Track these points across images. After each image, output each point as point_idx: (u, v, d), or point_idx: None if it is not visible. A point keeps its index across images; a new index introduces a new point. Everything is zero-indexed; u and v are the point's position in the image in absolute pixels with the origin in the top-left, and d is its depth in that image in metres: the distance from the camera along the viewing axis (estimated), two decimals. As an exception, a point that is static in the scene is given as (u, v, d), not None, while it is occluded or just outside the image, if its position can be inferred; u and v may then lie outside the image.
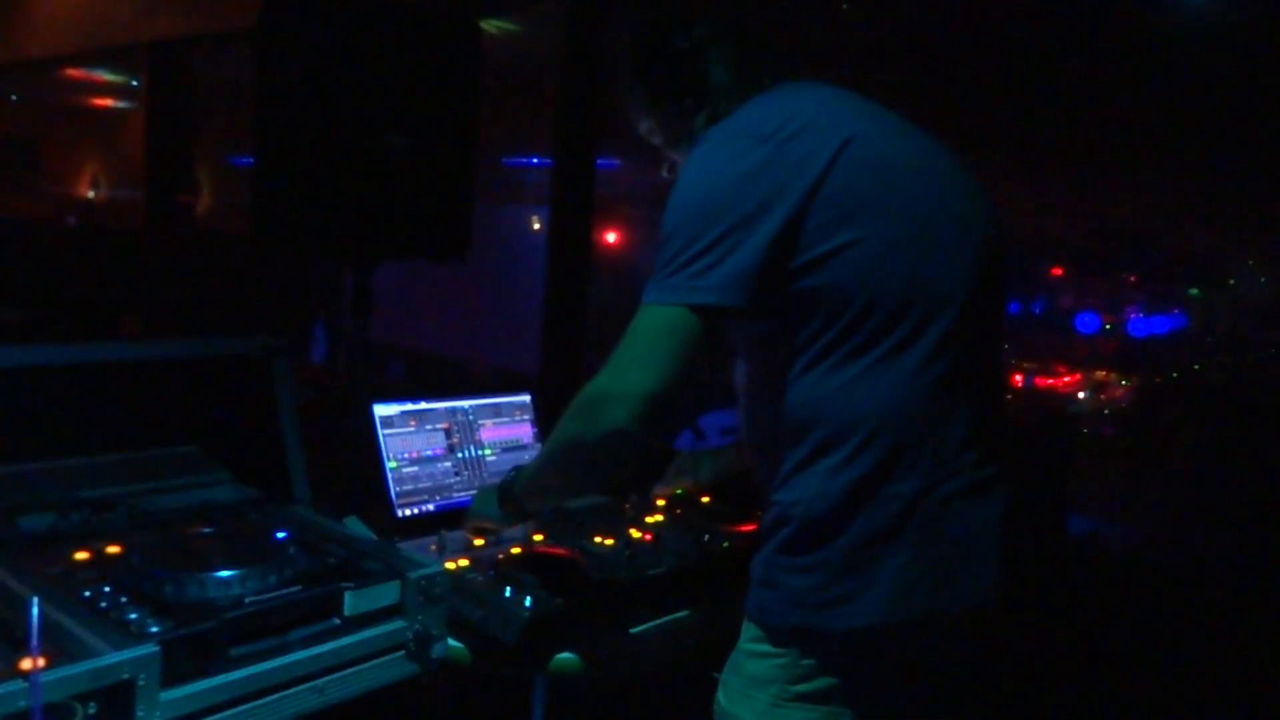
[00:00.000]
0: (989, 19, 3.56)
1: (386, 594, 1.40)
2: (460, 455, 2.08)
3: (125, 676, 1.10)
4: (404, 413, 2.01)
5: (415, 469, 2.00)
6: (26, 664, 1.03)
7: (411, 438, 2.01)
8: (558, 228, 4.01)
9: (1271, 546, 3.18)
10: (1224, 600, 3.10)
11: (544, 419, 2.20)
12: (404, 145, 2.18)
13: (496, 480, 1.71)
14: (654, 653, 1.64)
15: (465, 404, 2.12)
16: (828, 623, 1.34)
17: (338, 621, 1.35)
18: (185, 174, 6.99)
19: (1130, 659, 2.99)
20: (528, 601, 1.53)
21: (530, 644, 1.52)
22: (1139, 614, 3.14)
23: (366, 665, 1.36)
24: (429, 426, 2.05)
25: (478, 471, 2.10)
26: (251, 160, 2.20)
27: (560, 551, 1.73)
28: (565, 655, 1.56)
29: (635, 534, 1.87)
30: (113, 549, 1.44)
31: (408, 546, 1.73)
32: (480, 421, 2.14)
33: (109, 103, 9.82)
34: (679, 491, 2.09)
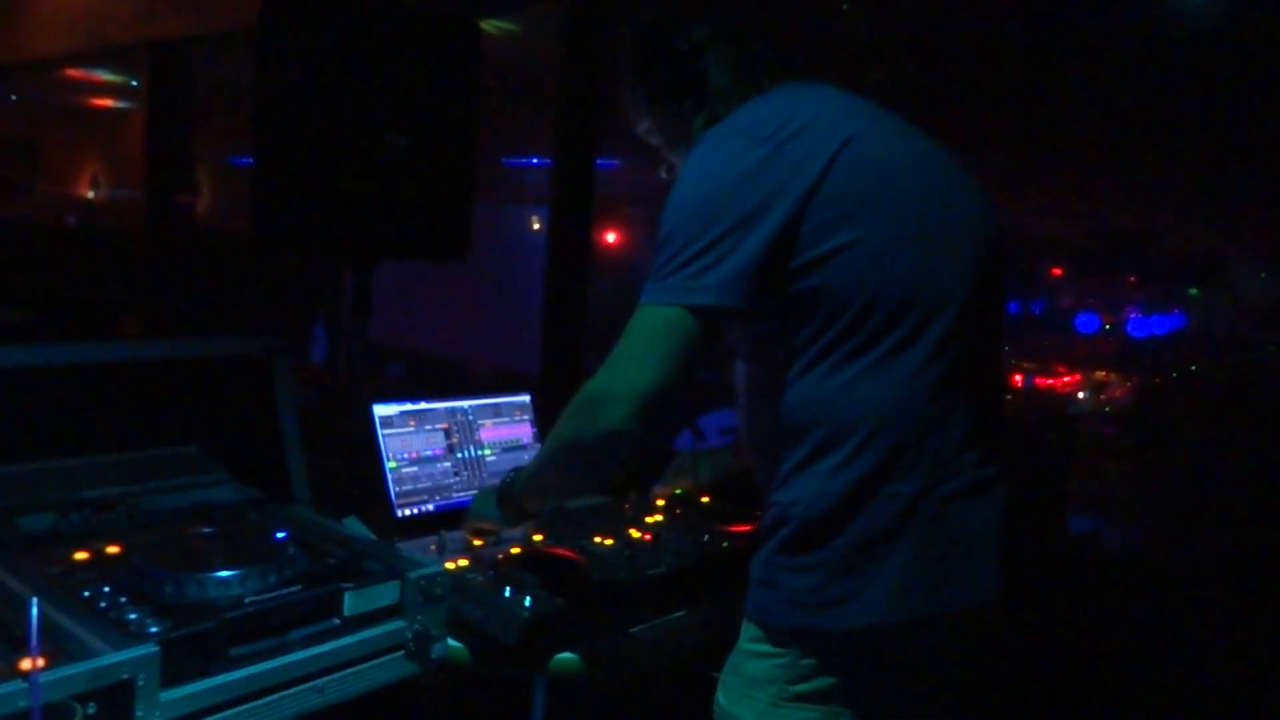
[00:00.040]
0: (989, 19, 3.56)
1: (386, 594, 1.40)
2: (460, 455, 2.08)
3: (125, 676, 1.10)
4: (404, 413, 2.02)
5: (415, 469, 2.00)
6: (26, 664, 1.03)
7: (411, 438, 2.01)
8: (558, 228, 4.00)
9: (1271, 546, 3.18)
10: (1224, 600, 3.10)
11: (544, 419, 2.20)
12: (404, 145, 2.18)
13: (496, 481, 1.71)
14: (654, 653, 1.64)
15: (465, 404, 2.12)
16: (827, 623, 1.34)
17: (337, 621, 1.36)
18: (185, 174, 6.99)
19: (1130, 659, 2.99)
20: (527, 601, 1.53)
21: (530, 644, 1.52)
22: (1139, 614, 3.13)
23: (366, 665, 1.36)
24: (429, 426, 2.05)
25: (477, 472, 2.10)
26: (251, 160, 2.20)
27: (564, 552, 1.74)
28: (565, 655, 1.56)
29: (635, 534, 1.87)
30: (112, 549, 1.44)
31: (407, 546, 1.73)
32: (480, 421, 2.14)
33: (109, 103, 9.81)
34: (678, 491, 2.09)
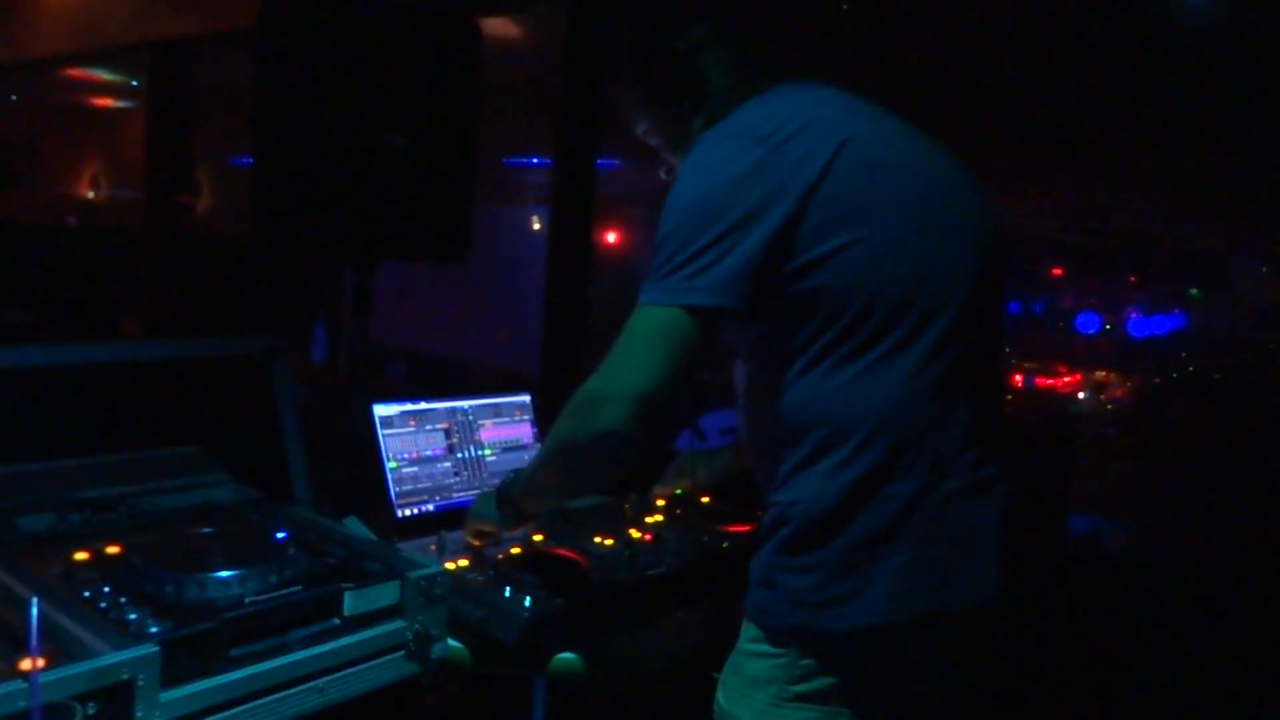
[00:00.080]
0: (989, 20, 3.56)
1: (386, 594, 1.40)
2: (460, 455, 2.09)
3: (125, 677, 1.10)
4: (404, 413, 2.02)
5: (415, 469, 2.00)
6: (26, 664, 1.03)
7: (411, 438, 2.01)
8: (558, 228, 4.00)
9: (1271, 546, 3.18)
10: (1224, 600, 3.10)
11: (544, 419, 2.20)
12: (404, 146, 2.19)
13: (496, 483, 1.72)
14: (654, 653, 1.64)
15: (465, 404, 2.13)
16: (827, 623, 1.34)
17: (338, 622, 1.36)
18: (185, 174, 6.99)
19: (1130, 659, 2.99)
20: (527, 602, 1.54)
21: (530, 644, 1.52)
22: (1139, 614, 3.13)
23: (366, 665, 1.36)
24: (429, 427, 2.05)
25: (477, 472, 2.10)
26: (251, 160, 2.20)
27: (566, 553, 1.74)
28: (565, 655, 1.56)
29: (635, 534, 1.87)
30: (113, 549, 1.44)
31: (407, 547, 1.74)
32: (480, 422, 2.14)
33: (109, 103, 9.81)
34: (678, 492, 2.09)
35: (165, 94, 6.65)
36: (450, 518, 1.88)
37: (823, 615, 1.34)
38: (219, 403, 1.83)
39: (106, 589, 1.28)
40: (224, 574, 1.31)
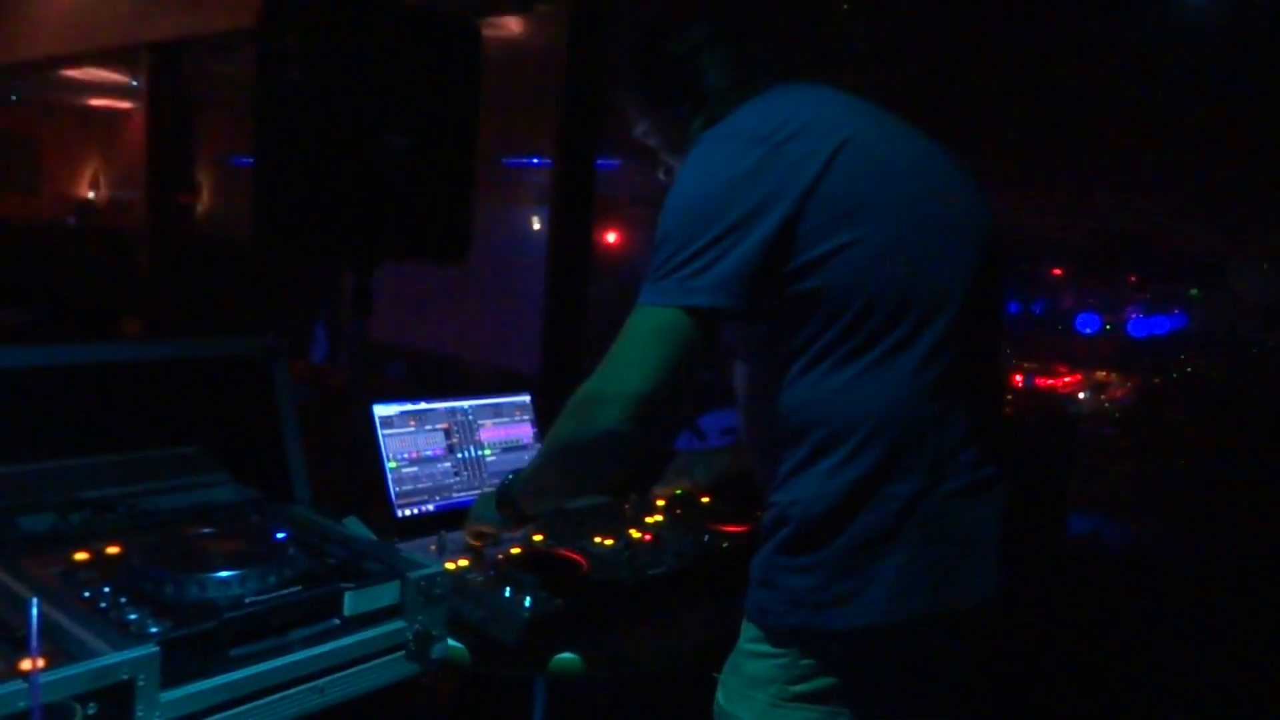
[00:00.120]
0: (989, 20, 3.56)
1: (386, 594, 1.40)
2: (460, 455, 2.09)
3: (125, 677, 1.10)
4: (404, 413, 2.02)
5: (415, 469, 2.00)
6: (26, 664, 1.03)
7: (411, 438, 2.01)
8: (558, 228, 4.00)
9: (1271, 546, 3.18)
10: (1224, 600, 3.10)
11: (544, 419, 2.20)
12: (404, 146, 2.18)
13: (496, 483, 1.72)
14: (654, 653, 1.64)
15: (465, 404, 2.13)
16: (827, 623, 1.34)
17: (338, 622, 1.36)
18: (185, 175, 6.99)
19: (1130, 659, 2.99)
20: (527, 602, 1.54)
21: (530, 644, 1.52)
22: (1139, 614, 3.13)
23: (366, 665, 1.37)
24: (429, 427, 2.05)
25: (477, 472, 2.10)
26: (251, 160, 2.20)
27: (566, 554, 1.74)
28: (565, 655, 1.56)
29: (635, 534, 1.87)
30: (113, 549, 1.44)
31: (407, 547, 1.74)
32: (480, 422, 2.14)
33: (109, 103, 9.82)
34: (678, 492, 2.09)
35: (165, 94, 6.65)
36: (450, 518, 1.88)
37: (823, 615, 1.34)
38: (219, 403, 1.83)
39: (107, 589, 1.28)
40: (224, 574, 1.31)
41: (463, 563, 1.70)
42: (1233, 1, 3.31)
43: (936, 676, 1.46)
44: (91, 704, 1.07)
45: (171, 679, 1.15)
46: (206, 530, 1.52)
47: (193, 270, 6.52)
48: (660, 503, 2.07)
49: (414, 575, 1.42)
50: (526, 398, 2.24)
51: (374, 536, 1.71)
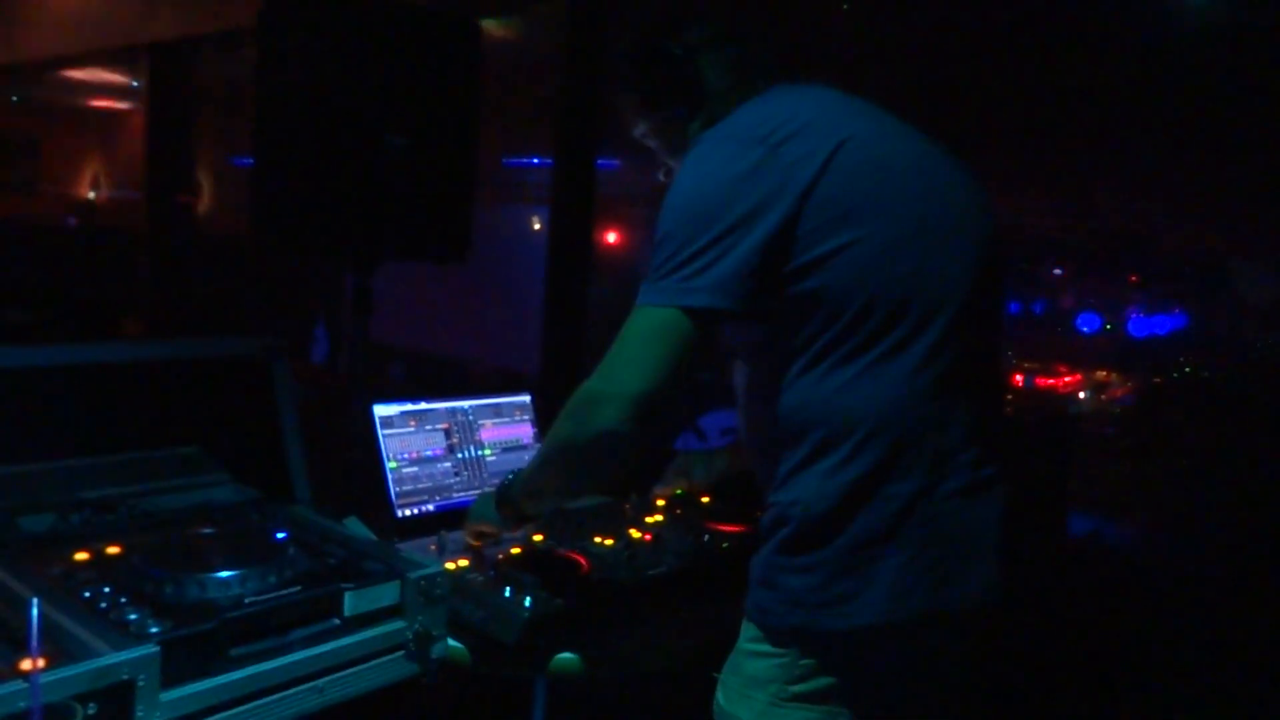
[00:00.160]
0: (989, 20, 3.56)
1: (386, 594, 1.40)
2: (460, 456, 2.09)
3: (125, 677, 1.10)
4: (404, 413, 2.02)
5: (415, 469, 2.00)
6: (26, 664, 1.03)
7: (411, 438, 2.01)
8: (558, 228, 4.01)
9: (1271, 546, 3.18)
10: (1224, 600, 3.10)
11: (544, 419, 2.20)
12: (404, 145, 2.18)
13: (496, 483, 1.72)
14: (654, 653, 1.64)
15: (465, 404, 2.13)
16: (827, 623, 1.34)
17: (338, 622, 1.36)
18: (186, 175, 7.00)
19: (1130, 659, 2.99)
20: (527, 602, 1.54)
21: (530, 644, 1.52)
22: (1139, 614, 3.13)
23: (366, 665, 1.37)
24: (429, 427, 2.05)
25: (478, 472, 2.10)
26: (252, 160, 2.21)
27: (569, 555, 1.74)
28: (565, 655, 1.56)
29: (635, 534, 1.87)
30: (113, 549, 1.44)
31: (407, 547, 1.74)
32: (480, 422, 2.14)
33: (110, 103, 9.82)
34: (679, 492, 2.09)
35: (165, 94, 6.66)
36: (450, 518, 1.88)
37: (823, 615, 1.34)
38: (219, 403, 1.83)
39: (107, 589, 1.29)
40: (224, 574, 1.31)
41: (463, 563, 1.70)
42: (1233, 1, 3.31)
43: (936, 676, 1.46)
44: (92, 704, 1.07)
45: (172, 679, 1.15)
46: (207, 530, 1.52)
47: (193, 270, 6.52)
48: (660, 503, 2.07)
49: (414, 575, 1.42)
50: (527, 398, 2.24)
51: (374, 537, 1.71)
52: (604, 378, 1.34)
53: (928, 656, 1.43)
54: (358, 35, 2.13)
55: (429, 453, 2.04)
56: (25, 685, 1.02)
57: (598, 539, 1.83)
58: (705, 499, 2.08)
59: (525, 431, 2.21)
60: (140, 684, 1.11)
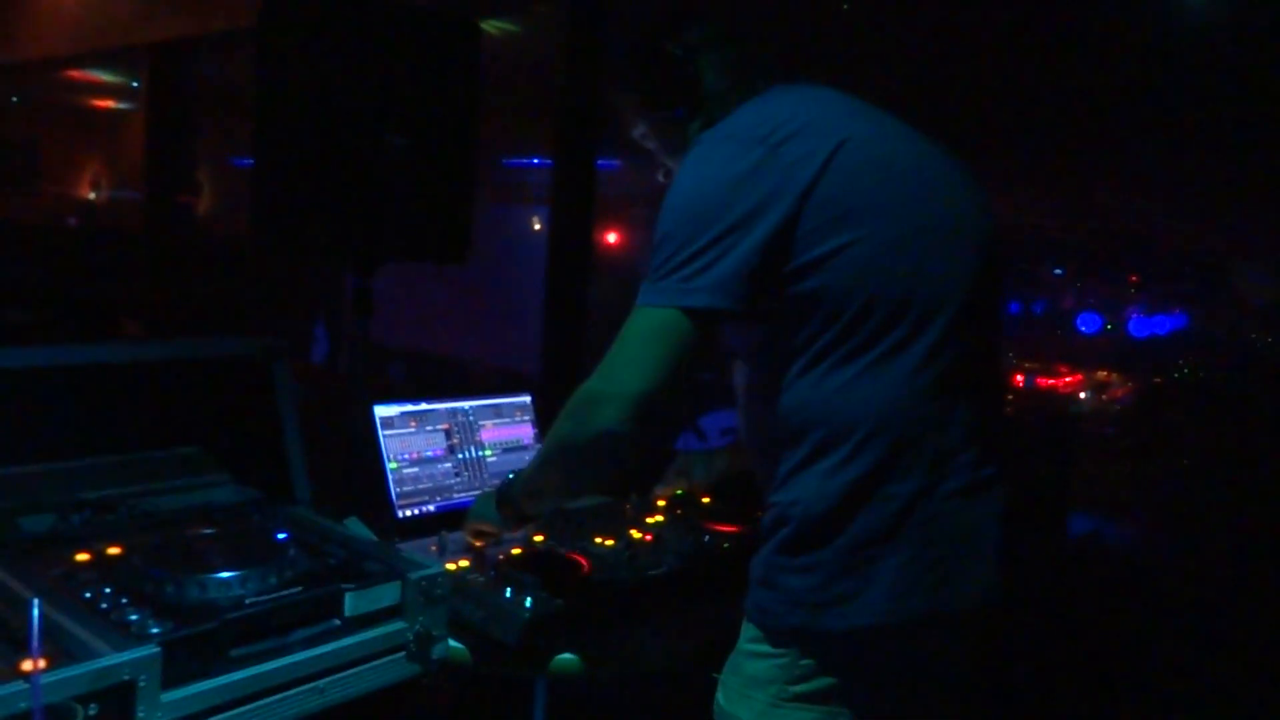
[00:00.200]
0: (989, 20, 3.56)
1: (387, 595, 1.40)
2: (461, 456, 2.09)
3: (126, 677, 1.10)
4: (404, 413, 2.02)
5: (416, 470, 2.00)
6: (27, 665, 1.03)
7: (412, 438, 2.02)
8: (558, 228, 4.00)
9: (1271, 546, 3.18)
10: (1224, 600, 3.10)
11: (544, 420, 2.20)
12: (404, 146, 2.18)
13: (497, 483, 1.72)
14: (654, 653, 1.64)
15: (466, 405, 2.13)
16: (827, 623, 1.34)
17: (338, 622, 1.36)
18: (186, 175, 7.00)
19: (1130, 659, 2.99)
20: (528, 602, 1.54)
21: (531, 645, 1.52)
22: (1139, 614, 3.13)
23: (367, 666, 1.37)
24: (429, 427, 2.05)
25: (478, 472, 2.10)
26: (251, 161, 2.20)
27: (569, 555, 1.74)
28: (565, 655, 1.56)
29: (636, 534, 1.87)
30: (114, 550, 1.44)
31: (408, 547, 1.74)
32: (481, 422, 2.14)
33: (110, 104, 9.82)
34: (679, 492, 2.10)
35: (165, 95, 6.66)
36: (451, 518, 1.88)
37: (822, 615, 1.34)
38: (219, 403, 1.83)
39: (107, 590, 1.29)
40: (225, 575, 1.31)
41: (463, 563, 1.70)
42: (1233, 1, 3.31)
43: (936, 676, 1.46)
44: (92, 705, 1.07)
45: (172, 679, 1.16)
46: (207, 531, 1.52)
47: (193, 270, 6.52)
48: (661, 503, 2.07)
49: (415, 576, 1.42)
50: (527, 398, 2.24)
51: (375, 537, 1.71)
52: (604, 378, 1.34)
53: (928, 657, 1.43)
54: (358, 35, 2.13)
55: (429, 453, 2.04)
56: (26, 686, 1.02)
57: (598, 539, 1.83)
58: (705, 499, 2.08)
59: (526, 432, 2.21)
60: (141, 685, 1.11)
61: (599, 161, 3.99)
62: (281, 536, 1.48)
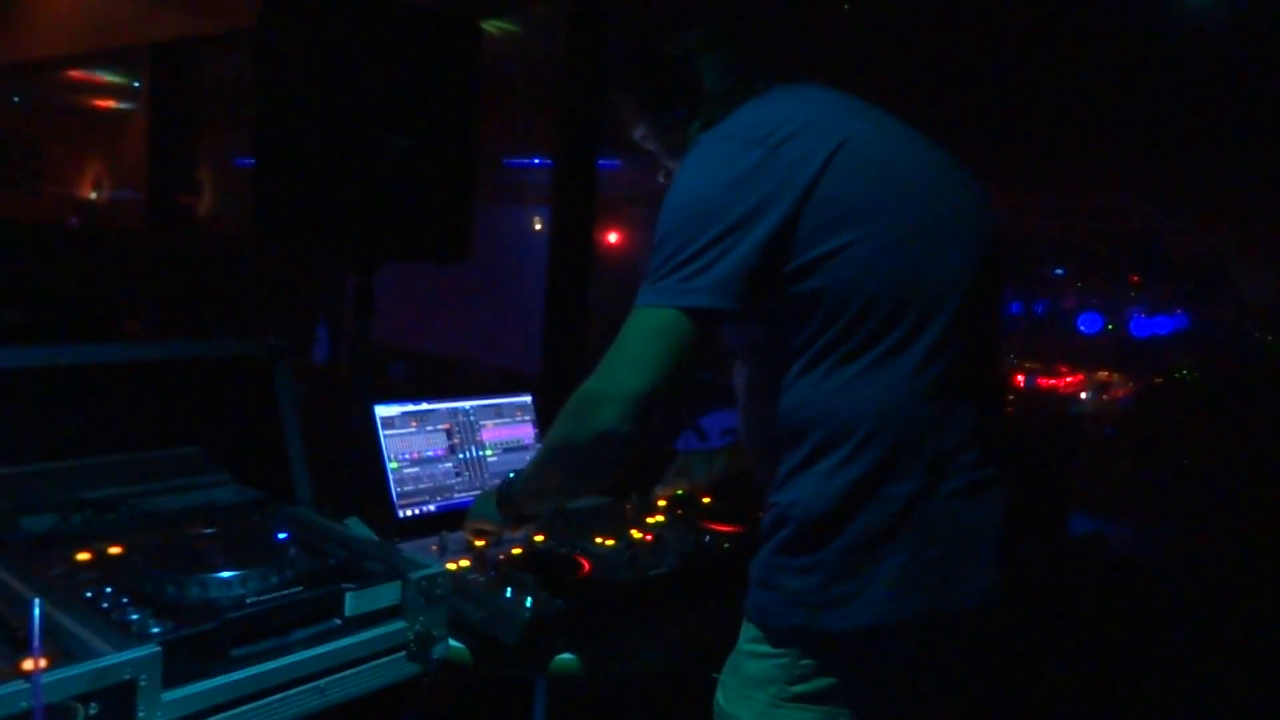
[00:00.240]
0: (989, 20, 3.56)
1: (387, 595, 1.41)
2: (461, 456, 2.09)
3: (127, 677, 1.10)
4: (405, 413, 2.02)
5: (416, 470, 2.00)
6: (28, 664, 1.03)
7: (413, 438, 2.02)
8: (559, 228, 4.01)
9: (1271, 546, 3.18)
10: (1224, 600, 3.10)
11: (545, 420, 2.20)
12: (405, 146, 2.18)
13: (496, 483, 1.72)
14: (654, 653, 1.65)
15: (466, 405, 2.13)
16: (827, 623, 1.34)
17: (339, 622, 1.36)
18: (187, 175, 7.00)
19: (1130, 659, 2.99)
20: (528, 602, 1.54)
21: (531, 644, 1.52)
22: (1139, 614, 3.13)
23: (367, 666, 1.37)
24: (430, 427, 2.05)
25: (479, 472, 2.10)
26: (253, 161, 2.21)
27: (570, 555, 1.74)
28: (565, 655, 1.57)
29: (636, 534, 1.87)
30: (114, 550, 1.45)
31: (409, 547, 1.74)
32: (481, 422, 2.14)
33: (111, 104, 9.83)
34: (679, 492, 2.10)
35: (166, 95, 6.67)
36: (452, 518, 1.88)
37: (822, 616, 1.34)
38: (220, 403, 1.83)
39: (108, 589, 1.29)
40: (225, 574, 1.31)
41: (464, 563, 1.70)
42: (1233, 1, 3.31)
43: (936, 677, 1.46)
44: (93, 704, 1.07)
45: (173, 679, 1.16)
46: (208, 530, 1.52)
47: (194, 270, 6.52)
48: (661, 503, 2.07)
49: (415, 576, 1.42)
50: (528, 398, 2.24)
51: (375, 537, 1.71)
52: (603, 378, 1.34)
53: (928, 657, 1.43)
54: (358, 35, 2.13)
55: (430, 453, 2.04)
56: (27, 685, 1.02)
57: (598, 539, 1.83)
58: (706, 499, 2.08)
59: (526, 432, 2.21)
60: (142, 684, 1.11)
61: (599, 161, 4.00)
62: (282, 536, 1.48)
